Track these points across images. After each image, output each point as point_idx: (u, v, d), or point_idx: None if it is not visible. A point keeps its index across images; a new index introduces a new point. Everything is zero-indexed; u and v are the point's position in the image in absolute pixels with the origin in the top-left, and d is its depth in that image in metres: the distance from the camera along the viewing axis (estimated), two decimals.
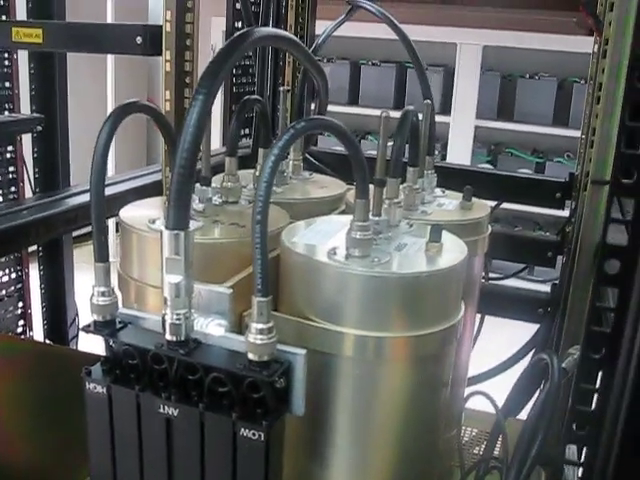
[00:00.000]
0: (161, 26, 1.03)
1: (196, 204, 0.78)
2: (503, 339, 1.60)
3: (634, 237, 0.53)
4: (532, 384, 0.89)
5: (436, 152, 3.43)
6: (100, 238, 0.61)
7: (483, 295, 1.00)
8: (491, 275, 1.45)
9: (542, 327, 1.31)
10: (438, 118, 3.29)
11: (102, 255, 0.61)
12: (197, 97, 0.54)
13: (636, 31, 0.55)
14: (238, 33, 0.60)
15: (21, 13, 1.65)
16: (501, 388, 0.96)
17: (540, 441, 0.71)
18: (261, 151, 0.91)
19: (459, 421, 0.96)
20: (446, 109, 3.40)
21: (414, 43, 1.05)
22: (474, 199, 0.92)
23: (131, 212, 0.78)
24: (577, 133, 1.61)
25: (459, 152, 3.36)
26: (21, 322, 1.80)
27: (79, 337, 1.81)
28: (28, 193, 1.74)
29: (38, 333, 1.83)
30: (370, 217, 0.71)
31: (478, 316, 1.34)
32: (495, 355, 1.37)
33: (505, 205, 1.57)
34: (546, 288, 1.39)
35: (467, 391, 0.96)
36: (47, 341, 1.80)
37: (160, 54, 1.04)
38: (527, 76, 3.39)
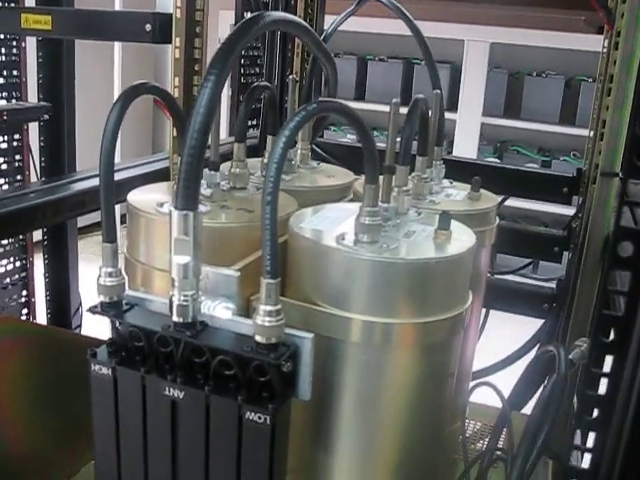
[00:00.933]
0: (170, 14, 1.03)
1: (204, 189, 0.77)
2: (507, 334, 1.60)
3: None
4: (538, 377, 0.89)
5: (444, 143, 3.44)
6: (108, 219, 0.61)
7: (488, 289, 0.99)
8: (496, 270, 1.45)
9: (547, 322, 1.31)
10: (445, 114, 3.27)
11: (110, 235, 0.61)
12: (208, 78, 0.54)
13: None
14: (249, 16, 0.59)
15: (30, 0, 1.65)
16: (505, 383, 0.96)
17: (547, 431, 0.71)
18: (269, 138, 0.91)
19: (464, 413, 0.96)
20: (453, 106, 3.39)
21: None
22: (482, 190, 0.92)
23: (139, 196, 0.78)
24: (584, 132, 1.60)
25: (465, 149, 3.36)
26: (25, 310, 1.81)
27: (82, 326, 1.82)
28: (34, 181, 1.74)
29: (41, 321, 1.83)
30: (379, 204, 0.71)
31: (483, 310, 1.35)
32: (499, 351, 1.37)
33: (511, 203, 1.57)
34: (550, 286, 1.39)
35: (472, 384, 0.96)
36: None
37: (169, 42, 1.04)
38: (534, 74, 3.38)
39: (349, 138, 3.52)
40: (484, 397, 0.94)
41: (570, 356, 0.74)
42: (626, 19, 0.84)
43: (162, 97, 0.66)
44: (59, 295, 1.81)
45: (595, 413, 0.62)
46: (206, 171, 0.78)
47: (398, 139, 0.75)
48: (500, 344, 1.39)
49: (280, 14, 0.64)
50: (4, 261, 1.73)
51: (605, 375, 0.59)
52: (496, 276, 1.44)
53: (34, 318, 1.82)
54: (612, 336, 0.58)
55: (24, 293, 1.80)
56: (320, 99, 0.68)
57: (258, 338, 0.55)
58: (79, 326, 1.82)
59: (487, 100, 3.34)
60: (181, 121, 0.70)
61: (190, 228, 0.55)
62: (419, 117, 0.79)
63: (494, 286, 1.34)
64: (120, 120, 0.60)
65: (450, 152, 3.43)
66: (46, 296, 1.82)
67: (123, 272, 0.64)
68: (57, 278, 1.80)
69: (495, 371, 1.35)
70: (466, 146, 3.36)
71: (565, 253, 1.36)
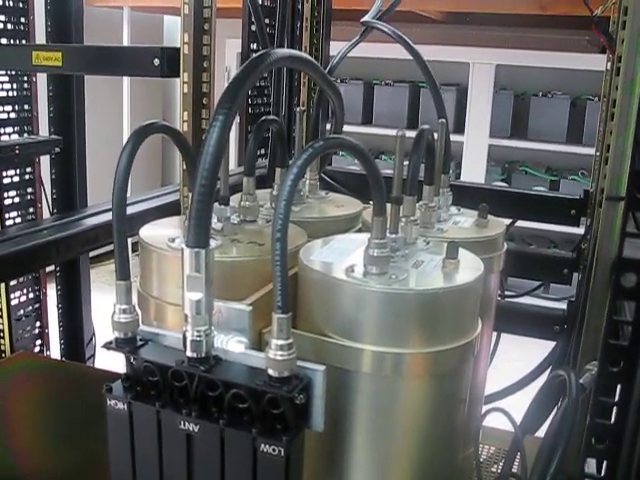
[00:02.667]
0: (178, 48, 1.05)
1: (215, 223, 0.79)
2: (520, 357, 1.60)
3: None
4: (550, 401, 0.89)
5: (450, 171, 3.46)
6: (122, 256, 0.62)
7: (499, 313, 1.00)
8: (507, 293, 1.45)
9: (558, 344, 1.31)
10: (452, 137, 3.28)
11: (124, 273, 0.62)
12: (217, 117, 0.55)
13: None
14: (256, 54, 0.61)
15: (40, 37, 1.68)
16: (518, 406, 0.96)
17: (559, 457, 0.71)
18: (278, 171, 0.92)
19: (477, 439, 0.96)
20: (460, 128, 3.41)
21: (428, 63, 1.06)
22: (489, 216, 0.93)
23: (151, 231, 0.79)
24: (591, 150, 1.61)
25: (473, 171, 3.37)
26: (38, 341, 1.81)
27: (95, 357, 1.83)
28: (46, 214, 1.76)
29: (55, 353, 1.85)
30: (387, 235, 0.72)
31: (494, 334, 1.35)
32: (512, 373, 1.37)
33: (520, 223, 1.57)
34: (562, 306, 1.39)
35: (485, 409, 0.96)
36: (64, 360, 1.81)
37: (177, 76, 1.06)
38: (540, 94, 3.39)
39: (357, 164, 3.53)
40: (498, 421, 0.94)
41: (581, 380, 0.75)
42: (626, 45, 0.85)
43: (171, 135, 0.67)
44: (72, 326, 1.83)
45: (604, 442, 0.62)
46: (216, 205, 0.79)
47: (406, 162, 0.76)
48: (514, 366, 1.40)
49: (286, 51, 0.66)
50: (18, 293, 1.74)
51: (614, 404, 0.59)
52: (507, 299, 1.44)
53: (48, 349, 1.83)
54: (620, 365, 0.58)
55: (38, 324, 1.81)
56: (327, 136, 0.69)
57: (271, 371, 0.56)
58: (92, 356, 1.84)
59: (494, 121, 3.36)
60: (190, 156, 0.72)
61: (202, 265, 0.56)
62: (425, 147, 0.80)
63: (505, 310, 1.35)
64: (131, 160, 0.61)
65: (458, 174, 3.44)
66: (59, 327, 1.83)
67: (137, 307, 0.65)
68: (70, 309, 1.82)
69: (508, 394, 1.35)
70: (474, 168, 3.37)
71: (575, 274, 1.36)
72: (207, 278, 0.56)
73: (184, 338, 0.58)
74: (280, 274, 0.55)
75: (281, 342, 0.56)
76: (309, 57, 0.73)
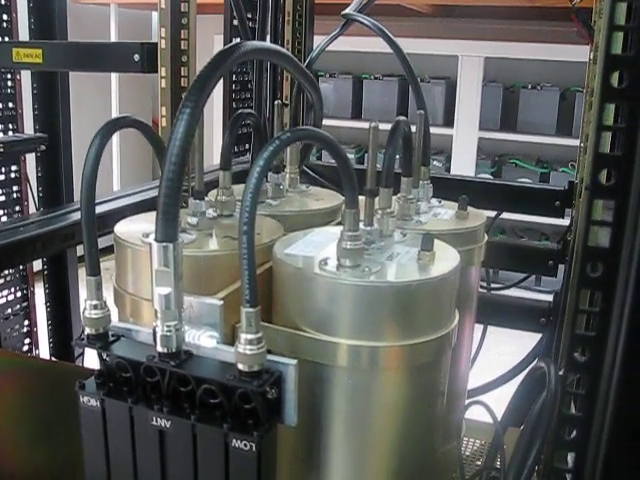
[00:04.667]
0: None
1: (190, 218, 0.78)
2: (513, 350, 1.60)
3: (615, 239, 0.53)
4: (531, 393, 0.88)
5: (440, 164, 3.46)
6: (91, 252, 0.61)
7: (485, 305, 1.00)
8: (494, 285, 1.45)
9: (544, 336, 1.31)
10: (442, 130, 3.29)
11: (93, 269, 0.62)
12: (183, 111, 0.55)
13: (609, 30, 0.55)
14: (224, 47, 0.60)
15: (24, 33, 1.67)
16: (508, 398, 0.96)
17: (537, 449, 0.71)
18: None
19: (459, 432, 0.96)
20: (449, 121, 3.40)
21: (416, 56, 1.05)
22: (470, 208, 0.93)
23: (126, 227, 0.78)
24: None
25: (463, 164, 3.37)
26: (27, 340, 1.81)
27: (85, 354, 1.82)
28: (32, 212, 1.75)
29: (44, 351, 1.84)
30: (362, 227, 0.71)
31: (481, 326, 1.35)
32: (504, 366, 1.37)
33: (511, 216, 1.57)
34: (551, 297, 1.38)
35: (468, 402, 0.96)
36: (53, 358, 1.81)
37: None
38: (529, 87, 3.39)
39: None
40: (484, 414, 0.93)
41: (561, 372, 0.74)
42: (603, 33, 0.84)
43: (142, 130, 0.67)
44: (61, 324, 1.82)
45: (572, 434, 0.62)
46: (191, 200, 0.79)
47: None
48: (506, 359, 1.40)
49: (257, 43, 0.65)
50: (5, 291, 1.74)
51: (580, 395, 0.59)
52: (494, 292, 1.44)
53: (36, 347, 1.82)
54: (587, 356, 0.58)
55: (26, 323, 1.81)
56: (295, 128, 0.69)
57: (241, 366, 0.56)
58: (82, 354, 1.83)
59: (483, 114, 3.35)
60: (161, 151, 0.71)
61: (170, 259, 0.55)
62: (402, 139, 0.80)
63: (491, 302, 1.35)
64: (99, 155, 0.60)
65: (448, 167, 3.44)
66: (48, 325, 1.83)
67: (109, 304, 0.64)
68: (58, 307, 1.81)
69: (495, 387, 1.35)
70: (464, 161, 3.37)
71: (562, 266, 1.36)
72: (176, 272, 0.56)
73: (154, 333, 0.58)
74: (247, 267, 0.55)
75: (250, 336, 0.55)
76: (282, 49, 0.73)
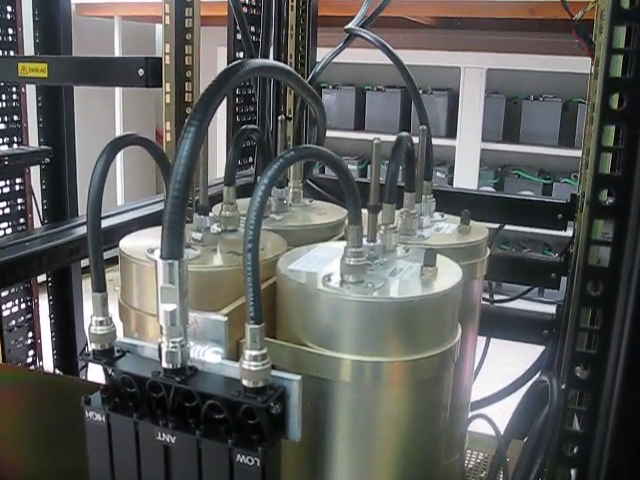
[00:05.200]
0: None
1: (195, 233, 0.79)
2: (516, 361, 1.60)
3: (615, 258, 0.54)
4: (534, 406, 0.89)
5: (443, 175, 3.46)
6: (97, 268, 0.62)
7: (488, 318, 1.00)
8: (498, 297, 1.45)
9: (547, 349, 1.31)
10: (444, 142, 3.29)
11: (99, 285, 0.62)
12: (188, 129, 0.55)
13: (608, 53, 0.56)
14: (230, 65, 0.61)
15: (29, 47, 1.69)
16: (511, 410, 0.96)
17: (540, 463, 0.71)
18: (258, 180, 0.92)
19: (462, 445, 0.96)
20: (452, 132, 3.41)
21: (419, 68, 1.06)
22: (472, 222, 0.93)
23: (131, 242, 0.79)
24: None
25: (466, 175, 3.37)
26: (31, 352, 1.81)
27: (89, 366, 1.82)
28: (37, 224, 1.76)
29: (48, 363, 1.84)
30: (365, 243, 0.72)
31: (484, 339, 1.35)
32: (507, 377, 1.37)
33: (514, 227, 1.57)
34: (554, 308, 1.39)
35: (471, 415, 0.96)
36: (57, 371, 1.81)
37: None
38: (531, 98, 3.40)
39: (350, 169, 3.53)
40: (488, 426, 0.94)
41: (563, 386, 0.75)
42: (603, 49, 0.85)
43: (147, 147, 0.67)
44: (65, 336, 1.82)
45: (574, 450, 0.63)
46: (196, 215, 0.80)
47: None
48: (509, 370, 1.40)
49: (261, 61, 0.66)
50: (9, 304, 1.74)
51: (581, 412, 0.59)
52: (497, 304, 1.44)
53: (40, 360, 1.83)
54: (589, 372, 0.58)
55: (30, 335, 1.81)
56: (299, 146, 0.69)
57: (245, 382, 0.56)
58: (85, 366, 1.83)
59: (486, 125, 3.36)
60: (167, 168, 0.71)
61: (176, 276, 0.56)
62: (404, 154, 0.81)
63: (493, 315, 1.35)
64: (106, 172, 0.61)
65: (451, 179, 3.44)
66: (52, 337, 1.83)
67: (114, 319, 0.65)
68: (62, 319, 1.82)
69: (498, 399, 1.35)
70: (467, 172, 3.38)
71: (564, 278, 1.36)
72: (181, 289, 0.56)
73: (160, 349, 0.58)
74: (252, 285, 0.56)
75: (255, 352, 0.56)
76: (285, 66, 0.73)
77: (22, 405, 0.88)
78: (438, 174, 3.47)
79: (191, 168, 0.55)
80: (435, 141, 0.96)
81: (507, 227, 1.48)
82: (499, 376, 1.41)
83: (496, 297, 1.44)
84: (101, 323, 0.63)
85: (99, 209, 0.61)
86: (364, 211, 0.71)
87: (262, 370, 0.56)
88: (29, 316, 1.80)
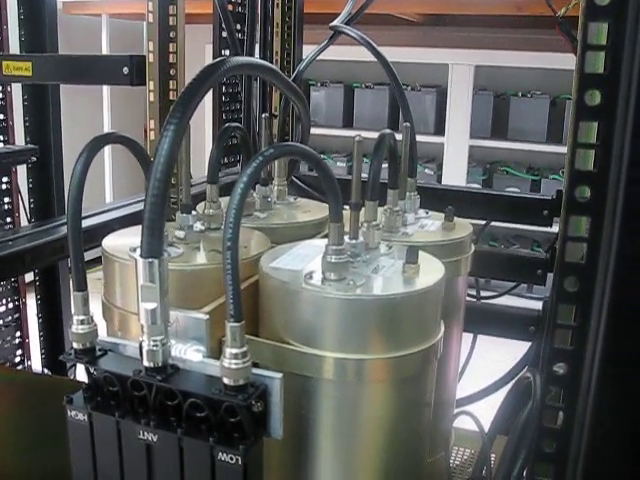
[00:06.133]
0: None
1: (178, 231, 0.79)
2: (504, 357, 1.60)
3: (591, 255, 0.54)
4: (519, 402, 0.89)
5: (431, 172, 3.47)
6: (78, 267, 0.62)
7: (474, 314, 1.00)
8: (486, 294, 1.46)
9: (533, 345, 1.31)
10: (433, 139, 3.29)
11: (80, 284, 0.62)
12: (168, 127, 0.55)
13: (583, 50, 0.56)
14: (210, 63, 0.61)
15: (14, 46, 1.68)
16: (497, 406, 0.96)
17: (523, 459, 0.71)
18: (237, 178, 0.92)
19: (447, 442, 0.96)
20: (440, 129, 3.42)
21: (407, 65, 1.07)
22: (457, 219, 0.93)
23: (113, 241, 0.79)
24: None
25: (454, 172, 3.38)
26: (19, 352, 1.81)
27: (77, 366, 1.82)
28: (24, 223, 1.75)
29: (36, 362, 1.84)
30: (347, 240, 0.72)
31: (470, 335, 1.35)
32: (495, 374, 1.37)
33: (502, 224, 1.57)
34: (537, 308, 1.39)
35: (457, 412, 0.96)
36: (45, 370, 1.81)
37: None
38: (520, 94, 3.41)
39: (339, 166, 3.54)
40: (473, 423, 0.94)
41: None
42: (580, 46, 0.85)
43: (128, 145, 0.67)
44: (53, 335, 1.82)
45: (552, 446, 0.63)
46: (179, 213, 0.79)
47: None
48: (497, 367, 1.40)
49: (242, 59, 0.66)
50: None
51: (559, 408, 0.60)
52: (483, 301, 1.45)
53: (28, 359, 1.82)
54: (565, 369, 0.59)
55: (18, 334, 1.81)
56: (278, 144, 0.69)
57: (226, 380, 0.56)
58: (74, 365, 1.82)
59: (474, 122, 3.37)
60: (148, 166, 0.71)
61: (156, 275, 0.56)
62: (387, 151, 0.81)
63: (480, 311, 1.35)
64: (86, 171, 0.61)
65: (440, 176, 3.45)
66: (40, 336, 1.82)
67: (95, 319, 0.65)
68: (50, 318, 1.81)
69: (485, 396, 1.35)
70: (455, 169, 3.38)
71: (550, 274, 1.36)
72: (161, 288, 0.56)
73: (140, 348, 0.58)
74: (232, 283, 0.56)
75: (235, 350, 0.56)
76: (267, 64, 0.74)
77: (9, 405, 0.88)
78: (426, 171, 3.48)
79: (170, 166, 0.55)
80: (423, 138, 0.97)
81: (495, 224, 1.48)
82: (489, 373, 1.41)
83: (484, 294, 1.44)
84: (82, 322, 0.63)
85: (79, 208, 0.61)
86: (347, 208, 0.71)
87: (243, 368, 0.56)
88: (17, 315, 1.80)
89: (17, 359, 1.80)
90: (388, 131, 0.80)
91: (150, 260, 0.55)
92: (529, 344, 1.35)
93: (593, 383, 0.53)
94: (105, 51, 3.58)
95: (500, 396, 1.28)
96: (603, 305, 0.54)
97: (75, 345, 0.63)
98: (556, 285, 0.57)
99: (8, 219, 1.75)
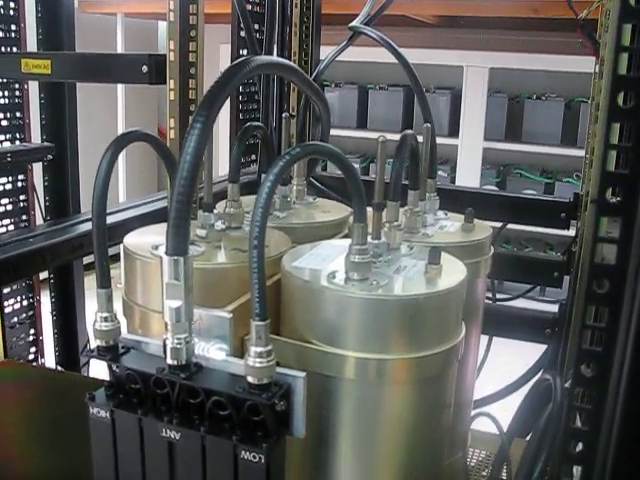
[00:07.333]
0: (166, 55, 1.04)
1: (199, 230, 0.79)
2: (518, 359, 1.60)
3: (622, 256, 0.54)
4: (537, 404, 0.89)
5: (445, 174, 3.46)
6: (102, 265, 0.62)
7: (490, 316, 0.99)
8: (500, 296, 1.45)
9: (550, 347, 1.31)
10: (447, 140, 3.29)
11: (104, 281, 0.62)
12: (194, 125, 0.55)
13: (616, 51, 0.56)
14: (235, 62, 0.61)
15: (32, 44, 1.68)
16: (513, 408, 0.96)
17: (543, 461, 0.71)
18: (264, 177, 0.92)
19: (465, 443, 0.96)
20: (454, 131, 3.41)
21: (421, 66, 1.06)
22: (476, 221, 0.93)
23: (135, 239, 0.79)
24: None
25: (468, 174, 3.37)
26: (33, 349, 1.81)
27: (90, 363, 1.82)
28: (39, 221, 1.76)
29: (50, 360, 1.84)
30: (369, 240, 0.72)
31: (486, 337, 1.35)
32: (509, 375, 1.37)
33: (516, 226, 1.56)
34: (556, 308, 1.39)
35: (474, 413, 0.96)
36: (59, 367, 1.81)
37: (166, 83, 1.06)
38: (534, 97, 3.40)
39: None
40: (490, 425, 0.94)
41: (567, 384, 0.75)
42: (609, 48, 0.85)
43: (152, 143, 0.67)
44: (67, 332, 1.82)
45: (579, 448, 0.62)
46: (200, 212, 0.80)
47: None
48: (511, 368, 1.40)
49: (266, 58, 0.66)
50: (11, 300, 1.74)
51: (587, 410, 0.59)
52: (499, 303, 1.44)
53: (42, 356, 1.83)
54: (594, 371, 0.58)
55: (32, 332, 1.81)
56: (305, 143, 0.69)
57: (250, 379, 0.56)
58: (87, 362, 1.83)
59: (488, 124, 3.35)
60: (172, 164, 0.72)
61: (181, 273, 0.56)
62: (408, 152, 0.81)
63: (496, 313, 1.35)
64: (110, 169, 0.61)
65: (453, 177, 3.44)
66: (54, 334, 1.83)
67: (119, 316, 0.65)
68: (64, 316, 1.82)
69: (501, 398, 1.35)
70: (469, 171, 3.38)
71: (567, 277, 1.36)
72: (186, 286, 0.56)
73: (164, 346, 0.58)
74: (257, 281, 0.56)
75: (260, 349, 0.56)
76: (290, 63, 0.74)
77: (23, 401, 0.88)
78: (440, 173, 3.47)
79: (197, 165, 0.55)
80: (437, 140, 0.96)
81: (509, 226, 1.48)
82: (499, 375, 1.40)
83: (498, 296, 1.44)
84: (106, 319, 0.63)
85: (104, 206, 0.61)
86: (369, 209, 0.71)
87: (267, 367, 0.56)
88: (31, 313, 1.80)
89: (31, 356, 1.80)
90: (410, 132, 0.80)
91: (175, 258, 0.56)
92: (538, 346, 1.35)
93: (623, 383, 0.53)
94: (120, 50, 3.59)
95: (512, 399, 1.28)
96: (634, 306, 0.53)
97: (98, 342, 0.63)
98: (584, 286, 0.56)
99: (24, 217, 1.75)
